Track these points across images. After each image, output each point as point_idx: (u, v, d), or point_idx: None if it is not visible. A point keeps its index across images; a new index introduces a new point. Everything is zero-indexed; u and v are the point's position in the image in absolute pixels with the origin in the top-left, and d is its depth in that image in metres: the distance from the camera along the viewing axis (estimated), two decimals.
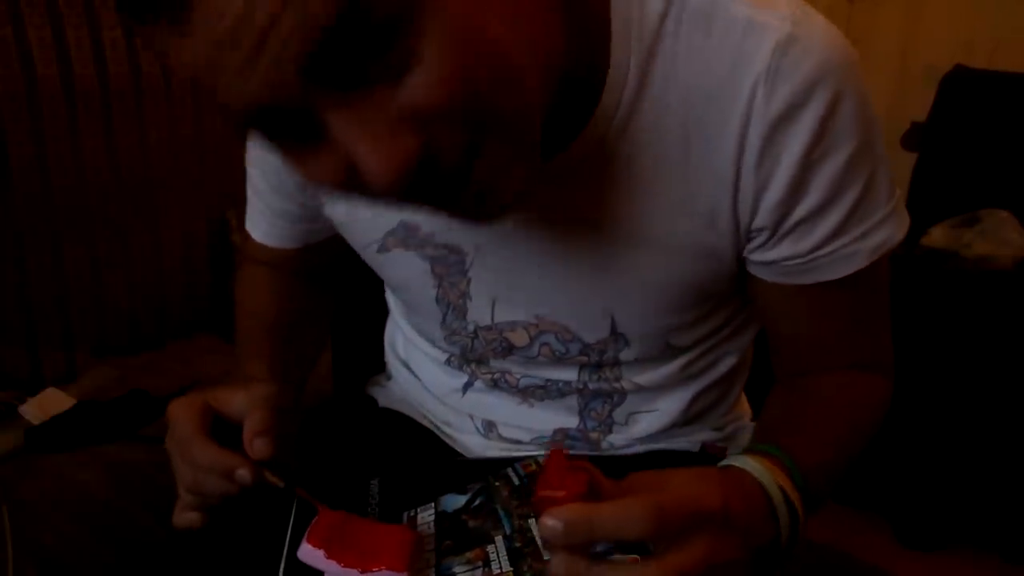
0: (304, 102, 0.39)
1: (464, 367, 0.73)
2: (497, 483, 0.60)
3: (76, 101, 1.27)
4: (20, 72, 1.20)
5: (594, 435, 0.72)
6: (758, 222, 0.56)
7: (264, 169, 0.70)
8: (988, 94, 1.76)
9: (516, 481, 0.60)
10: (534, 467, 0.61)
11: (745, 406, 0.80)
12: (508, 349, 0.67)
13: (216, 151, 1.49)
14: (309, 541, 0.52)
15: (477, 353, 0.69)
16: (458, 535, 0.56)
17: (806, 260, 0.57)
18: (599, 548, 0.45)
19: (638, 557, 0.44)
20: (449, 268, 0.64)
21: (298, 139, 0.41)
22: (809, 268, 0.57)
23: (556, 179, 0.56)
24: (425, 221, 0.62)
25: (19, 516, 0.71)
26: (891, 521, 1.67)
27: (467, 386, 0.75)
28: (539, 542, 0.54)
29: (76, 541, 0.88)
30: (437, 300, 0.66)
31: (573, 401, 0.70)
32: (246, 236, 0.78)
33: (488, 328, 0.66)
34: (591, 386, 0.69)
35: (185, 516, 0.57)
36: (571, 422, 0.71)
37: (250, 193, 0.74)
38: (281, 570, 0.54)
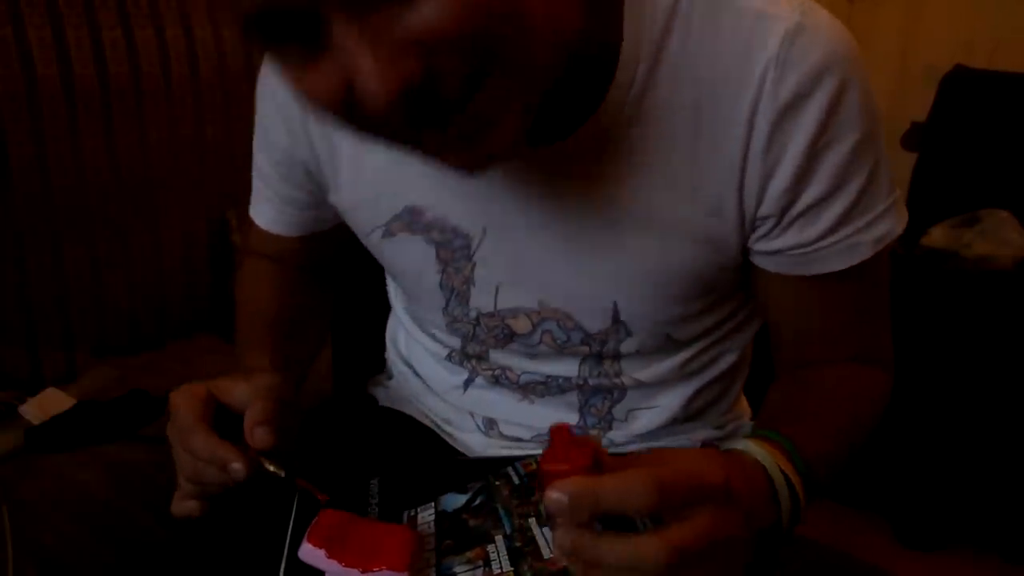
0: (314, 5, 0.39)
1: (464, 363, 0.73)
2: (497, 482, 0.60)
3: (76, 101, 1.27)
4: (20, 72, 1.20)
5: (594, 432, 0.72)
6: (764, 210, 0.56)
7: (271, 153, 0.70)
8: (988, 94, 1.76)
9: (516, 480, 0.60)
10: (534, 466, 0.62)
11: (745, 405, 0.80)
12: (509, 336, 0.67)
13: (216, 151, 1.49)
14: (310, 541, 0.52)
15: (479, 340, 0.69)
16: (458, 534, 0.56)
17: (810, 250, 0.57)
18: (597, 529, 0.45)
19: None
20: (454, 253, 0.64)
21: (302, 44, 0.42)
22: (813, 259, 0.58)
23: (565, 160, 0.56)
24: (431, 205, 0.62)
25: (19, 516, 0.71)
26: (891, 521, 1.67)
27: (468, 382, 0.75)
28: (539, 542, 0.54)
29: (76, 541, 0.88)
30: (440, 286, 0.66)
31: (573, 397, 0.70)
32: (248, 229, 0.78)
33: (490, 315, 0.66)
34: (591, 382, 0.69)
35: (184, 505, 0.57)
36: (571, 419, 0.71)
37: (255, 180, 0.74)
38: (282, 570, 0.53)
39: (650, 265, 0.60)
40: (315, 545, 0.51)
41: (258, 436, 0.54)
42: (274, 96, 0.66)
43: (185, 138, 1.44)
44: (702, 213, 0.57)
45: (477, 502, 0.59)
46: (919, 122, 1.83)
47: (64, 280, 1.32)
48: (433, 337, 0.74)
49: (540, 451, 0.65)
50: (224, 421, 0.56)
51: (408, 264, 0.67)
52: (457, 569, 0.53)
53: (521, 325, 0.66)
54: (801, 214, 0.56)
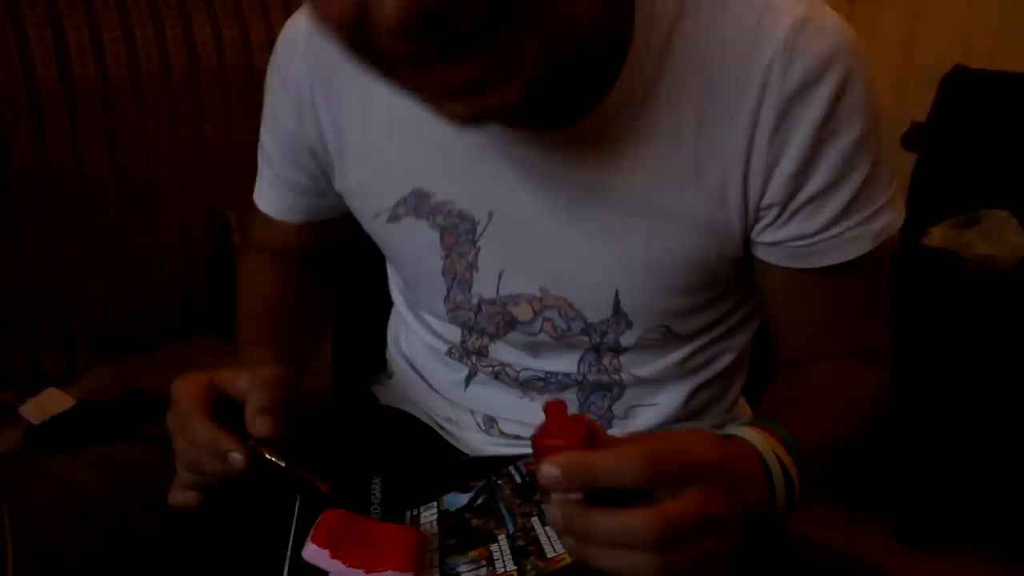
0: None
1: (465, 359, 0.73)
2: (499, 481, 0.60)
3: (76, 101, 1.27)
4: (20, 72, 1.20)
5: None
6: (768, 198, 0.57)
7: (279, 136, 0.70)
8: (988, 94, 1.76)
9: (518, 479, 0.60)
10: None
11: (745, 407, 0.80)
12: (511, 324, 0.67)
13: (216, 151, 1.49)
14: (314, 541, 0.52)
15: (479, 329, 0.69)
16: (461, 534, 0.56)
17: (813, 241, 0.58)
18: None
19: None
20: (459, 238, 0.64)
21: None
22: (815, 251, 0.59)
23: (573, 144, 0.57)
24: (438, 189, 0.63)
25: (19, 516, 0.70)
26: (891, 521, 1.67)
27: (469, 379, 0.75)
28: (543, 540, 0.54)
29: (76, 541, 0.88)
30: (443, 272, 0.67)
31: (573, 395, 0.71)
32: (250, 221, 0.78)
33: (492, 302, 0.66)
34: (591, 378, 0.69)
35: (182, 495, 0.57)
36: None
37: (261, 164, 0.74)
38: (285, 570, 0.53)
39: (653, 253, 0.60)
40: (319, 545, 0.51)
41: (260, 424, 0.53)
42: (285, 79, 0.67)
43: (185, 138, 1.44)
44: (706, 201, 0.58)
45: (479, 501, 0.59)
46: (919, 122, 1.83)
47: (64, 280, 1.32)
48: (433, 332, 0.74)
49: None
50: (225, 412, 0.55)
51: (412, 249, 0.68)
52: (461, 569, 0.53)
53: (523, 312, 0.66)
54: (804, 204, 0.57)
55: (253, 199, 0.76)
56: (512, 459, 0.63)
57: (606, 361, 0.68)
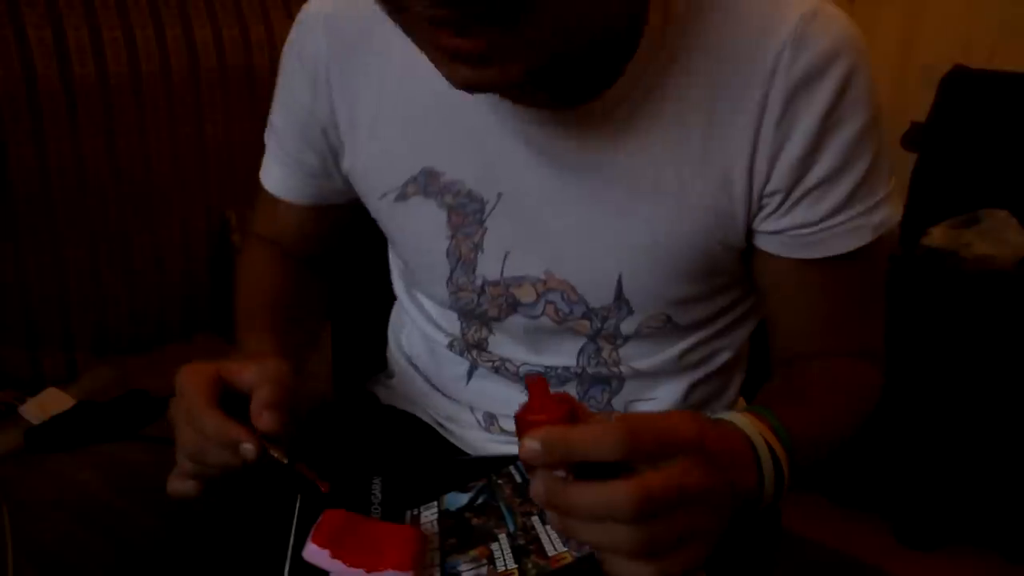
0: None
1: (465, 353, 0.74)
2: (499, 481, 0.61)
3: (76, 101, 1.27)
4: (20, 72, 1.20)
5: None
6: (772, 185, 0.58)
7: (291, 110, 0.70)
8: (988, 94, 1.76)
9: (518, 479, 0.60)
10: None
11: (743, 407, 0.80)
12: (513, 306, 0.67)
13: (216, 151, 1.49)
14: (315, 541, 0.52)
15: (481, 313, 0.69)
16: (462, 533, 0.56)
17: (815, 230, 0.59)
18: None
19: None
20: (466, 218, 0.65)
21: None
22: (816, 240, 0.60)
23: (585, 125, 0.59)
24: (448, 168, 0.64)
25: (19, 516, 0.70)
26: (891, 521, 1.67)
27: (470, 373, 0.75)
28: (543, 539, 0.54)
29: (76, 541, 0.88)
30: (448, 253, 0.67)
31: (572, 389, 0.71)
32: (251, 216, 0.78)
33: (496, 283, 0.67)
34: (590, 371, 0.69)
35: (181, 484, 0.56)
36: None
37: (269, 141, 0.74)
38: (286, 570, 0.53)
39: (656, 237, 0.61)
40: (320, 545, 0.51)
41: (266, 418, 0.53)
42: (301, 54, 0.67)
43: (185, 138, 1.44)
44: (712, 186, 0.59)
45: (479, 501, 0.59)
46: (919, 122, 1.83)
47: (64, 280, 1.32)
48: (434, 323, 0.75)
49: None
50: (229, 404, 0.55)
51: (417, 230, 0.68)
52: (462, 568, 0.53)
53: (526, 294, 0.66)
54: (808, 191, 0.58)
55: (259, 178, 0.76)
56: (512, 459, 0.63)
57: (605, 353, 0.69)
